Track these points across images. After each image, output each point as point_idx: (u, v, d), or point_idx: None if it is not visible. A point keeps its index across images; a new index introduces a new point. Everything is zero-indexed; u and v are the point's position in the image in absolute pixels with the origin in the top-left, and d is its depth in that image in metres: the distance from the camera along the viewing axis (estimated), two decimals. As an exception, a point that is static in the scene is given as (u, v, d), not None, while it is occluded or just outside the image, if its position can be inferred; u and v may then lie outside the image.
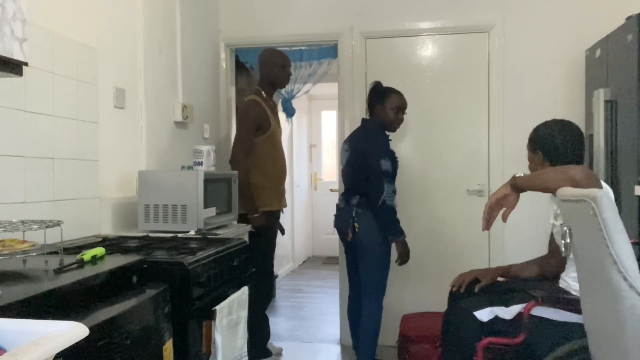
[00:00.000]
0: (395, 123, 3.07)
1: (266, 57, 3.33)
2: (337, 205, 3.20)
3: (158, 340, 1.62)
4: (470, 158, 3.68)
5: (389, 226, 2.92)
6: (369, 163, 2.92)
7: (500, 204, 1.79)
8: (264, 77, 3.34)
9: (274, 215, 3.33)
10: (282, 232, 3.52)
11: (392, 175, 2.94)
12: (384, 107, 3.04)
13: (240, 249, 2.33)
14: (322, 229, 7.47)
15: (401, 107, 3.06)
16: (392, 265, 3.04)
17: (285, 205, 3.51)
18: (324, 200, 7.41)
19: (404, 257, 2.99)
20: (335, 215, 3.19)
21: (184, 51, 3.27)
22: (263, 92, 3.31)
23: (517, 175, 1.79)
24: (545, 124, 2.22)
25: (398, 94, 3.07)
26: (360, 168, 2.99)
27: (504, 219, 1.79)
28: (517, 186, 1.77)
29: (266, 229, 3.18)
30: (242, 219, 3.08)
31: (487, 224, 1.80)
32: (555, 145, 2.15)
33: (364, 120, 3.19)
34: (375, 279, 2.99)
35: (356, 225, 2.96)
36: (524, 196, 1.79)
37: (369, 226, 2.95)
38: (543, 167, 2.14)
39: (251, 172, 3.18)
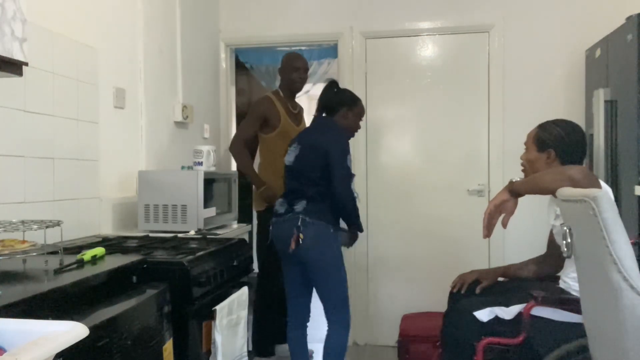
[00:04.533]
0: (356, 130, 2.80)
1: (284, 60, 3.38)
2: (276, 211, 2.63)
3: (158, 340, 1.61)
4: (470, 158, 3.67)
5: (356, 219, 2.65)
6: (335, 161, 2.51)
7: (499, 211, 1.79)
8: (282, 80, 3.41)
9: None
10: None
11: None
12: (352, 113, 2.73)
13: (240, 249, 2.33)
14: (322, 229, 7.44)
15: (363, 114, 2.83)
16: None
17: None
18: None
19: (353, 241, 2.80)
20: (273, 223, 2.63)
21: (184, 51, 3.27)
22: (281, 93, 3.39)
23: (514, 180, 1.78)
24: (556, 123, 2.14)
25: (360, 100, 2.82)
26: (315, 166, 2.55)
27: (504, 225, 1.79)
28: (515, 191, 1.76)
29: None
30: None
31: (488, 231, 1.80)
32: (569, 145, 2.10)
33: (320, 118, 2.78)
34: (340, 295, 2.58)
35: (301, 236, 2.45)
36: (525, 196, 1.79)
37: (319, 237, 2.49)
38: (550, 167, 2.09)
39: (262, 169, 3.29)
